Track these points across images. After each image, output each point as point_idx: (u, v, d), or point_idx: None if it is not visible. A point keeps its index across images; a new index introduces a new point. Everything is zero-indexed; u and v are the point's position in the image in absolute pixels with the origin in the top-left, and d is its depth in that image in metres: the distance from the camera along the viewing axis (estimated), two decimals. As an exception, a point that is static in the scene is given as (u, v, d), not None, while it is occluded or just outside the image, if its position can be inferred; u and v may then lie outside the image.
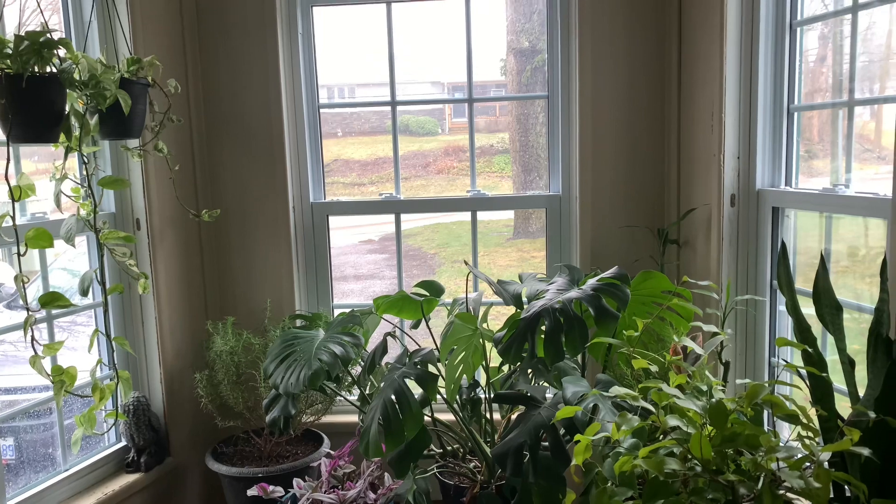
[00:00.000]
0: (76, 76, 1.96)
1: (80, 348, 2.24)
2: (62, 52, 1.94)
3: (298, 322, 2.78)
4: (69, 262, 3.08)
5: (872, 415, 1.38)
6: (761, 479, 1.35)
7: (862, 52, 2.12)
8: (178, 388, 2.81)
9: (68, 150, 2.07)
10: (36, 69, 1.87)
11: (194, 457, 2.88)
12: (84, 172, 2.20)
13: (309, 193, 3.04)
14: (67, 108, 2.00)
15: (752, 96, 2.40)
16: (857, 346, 1.74)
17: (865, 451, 1.30)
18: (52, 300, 1.93)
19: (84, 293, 2.11)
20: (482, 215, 3.08)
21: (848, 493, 1.57)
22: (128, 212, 2.67)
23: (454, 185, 7.68)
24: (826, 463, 1.33)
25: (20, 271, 1.87)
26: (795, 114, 2.38)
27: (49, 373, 1.95)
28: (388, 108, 3.04)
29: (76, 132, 2.05)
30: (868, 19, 2.10)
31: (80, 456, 2.56)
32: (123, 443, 2.70)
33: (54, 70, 1.91)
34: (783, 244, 1.83)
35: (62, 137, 2.02)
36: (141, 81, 2.19)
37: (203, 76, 2.92)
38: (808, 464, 1.36)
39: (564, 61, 2.90)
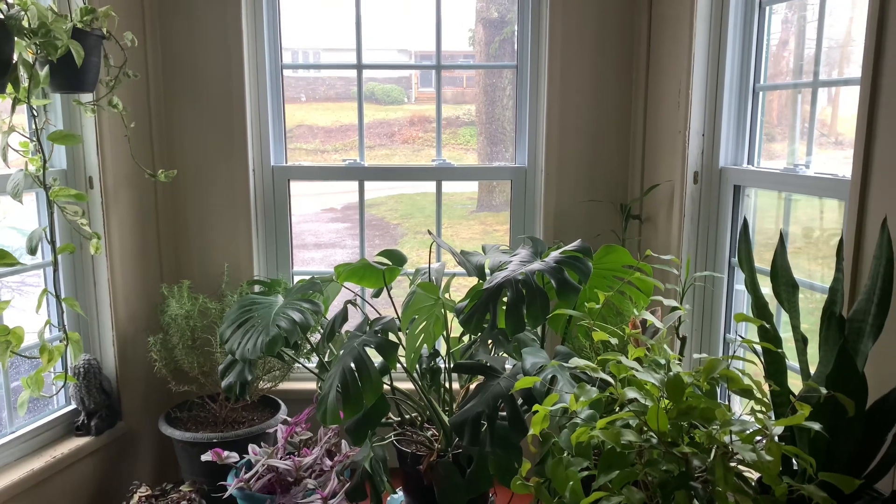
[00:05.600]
0: (25, 24, 1.86)
1: (30, 309, 2.17)
2: (10, -3, 1.85)
3: (257, 287, 2.74)
4: (19, 222, 2.97)
5: (824, 391, 1.41)
6: (714, 451, 1.37)
7: (823, 38, 2.14)
8: (132, 351, 2.74)
9: (16, 102, 1.98)
10: (-19, 14, 1.77)
11: (147, 421, 2.83)
12: (33, 126, 2.11)
13: (270, 157, 2.97)
14: (15, 58, 1.91)
15: (720, 73, 2.41)
16: (807, 325, 1.78)
17: (816, 426, 1.33)
18: (-3, 258, 1.86)
19: (32, 251, 2.03)
20: (446, 187, 3.06)
21: (795, 467, 1.61)
22: (80, 169, 2.57)
23: (419, 155, 7.62)
24: (776, 437, 1.36)
25: (-37, 227, 1.79)
26: (761, 93, 2.40)
27: (-6, 333, 1.89)
28: (354, 74, 2.98)
29: (24, 83, 1.96)
30: (830, 4, 2.12)
31: (27, 418, 2.49)
32: (73, 406, 2.64)
33: (1, 16, 1.81)
34: (745, 221, 1.85)
35: (9, 88, 1.93)
36: (95, 33, 2.10)
37: (161, 30, 2.82)
38: (759, 437, 1.39)
39: (534, 32, 2.87)
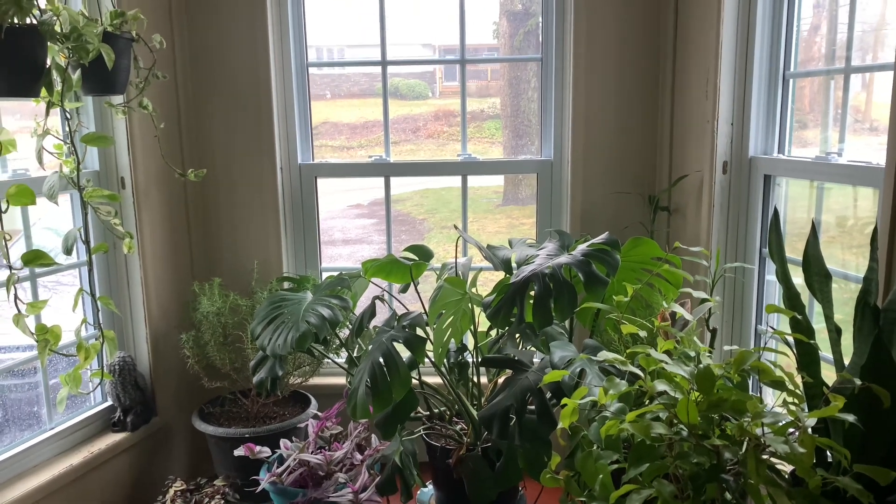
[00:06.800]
0: (57, 28, 1.90)
1: (65, 308, 2.21)
2: (42, 2, 1.88)
3: (286, 284, 2.77)
4: (55, 223, 3.03)
5: (858, 382, 1.39)
6: (745, 443, 1.36)
7: (855, 22, 2.10)
8: (165, 348, 2.79)
9: (50, 106, 2.02)
10: (15, 20, 1.81)
11: (181, 417, 2.88)
12: (67, 129, 2.16)
13: (297, 154, 3.00)
14: (49, 62, 1.95)
15: (749, 61, 2.37)
16: (840, 315, 1.75)
17: (851, 418, 1.31)
18: (35, 258, 1.90)
19: (68, 252, 2.07)
20: (472, 181, 3.06)
21: (829, 459, 1.59)
22: (112, 170, 2.62)
23: (444, 150, 7.60)
24: (810, 429, 1.34)
25: (2, 229, 1.84)
26: (791, 80, 2.36)
27: (33, 331, 1.93)
28: (379, 70, 2.99)
29: (58, 87, 2.00)
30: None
31: (65, 415, 2.55)
32: (109, 402, 2.69)
33: (34, 22, 1.85)
34: (776, 210, 1.82)
35: (43, 92, 1.97)
36: (125, 36, 2.13)
37: (189, 32, 2.85)
38: (792, 429, 1.37)
39: (559, 23, 2.85)
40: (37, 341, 1.95)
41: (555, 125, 2.93)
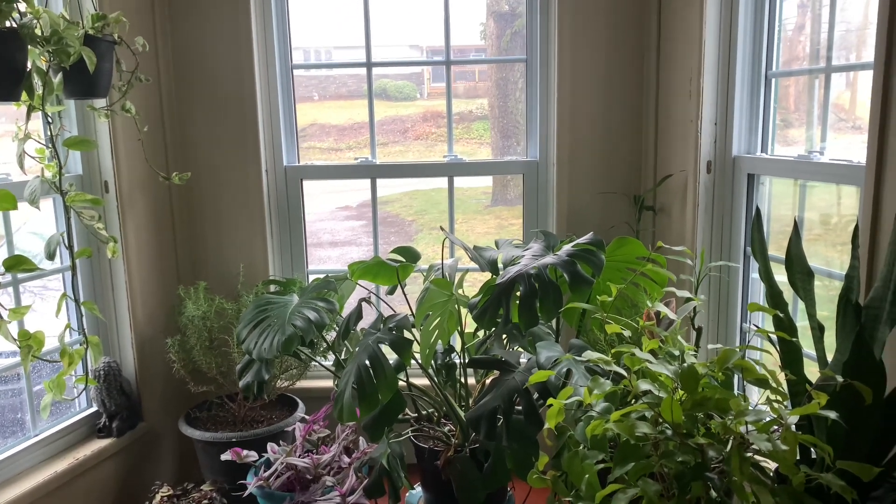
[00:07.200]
0: (38, 31, 1.88)
1: (51, 313, 2.20)
2: (22, 6, 1.87)
3: (272, 287, 2.76)
4: (40, 227, 3.01)
5: (840, 379, 1.40)
6: (730, 441, 1.37)
7: (839, 21, 2.11)
8: (150, 353, 2.78)
9: (31, 110, 2.00)
10: (-6, 23, 1.79)
11: (167, 422, 2.86)
12: (48, 132, 2.14)
13: (282, 157, 2.98)
14: (29, 66, 1.93)
15: (731, 62, 2.39)
16: (826, 312, 1.76)
17: (832, 415, 1.31)
18: (16, 264, 1.88)
19: (50, 257, 2.06)
20: (461, 182, 3.06)
21: (814, 456, 1.60)
22: (95, 174, 2.60)
23: (433, 151, 7.60)
24: (793, 426, 1.35)
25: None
26: (773, 80, 2.37)
27: (16, 338, 1.92)
28: (364, 71, 2.98)
29: (39, 91, 1.98)
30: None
31: (50, 421, 2.53)
32: (94, 408, 2.67)
33: (14, 25, 1.84)
34: (757, 210, 1.83)
35: (24, 96, 1.95)
36: (107, 38, 2.12)
37: (172, 34, 2.84)
38: (776, 427, 1.38)
39: (544, 24, 2.86)
40: (19, 347, 1.94)
41: (540, 126, 2.94)
